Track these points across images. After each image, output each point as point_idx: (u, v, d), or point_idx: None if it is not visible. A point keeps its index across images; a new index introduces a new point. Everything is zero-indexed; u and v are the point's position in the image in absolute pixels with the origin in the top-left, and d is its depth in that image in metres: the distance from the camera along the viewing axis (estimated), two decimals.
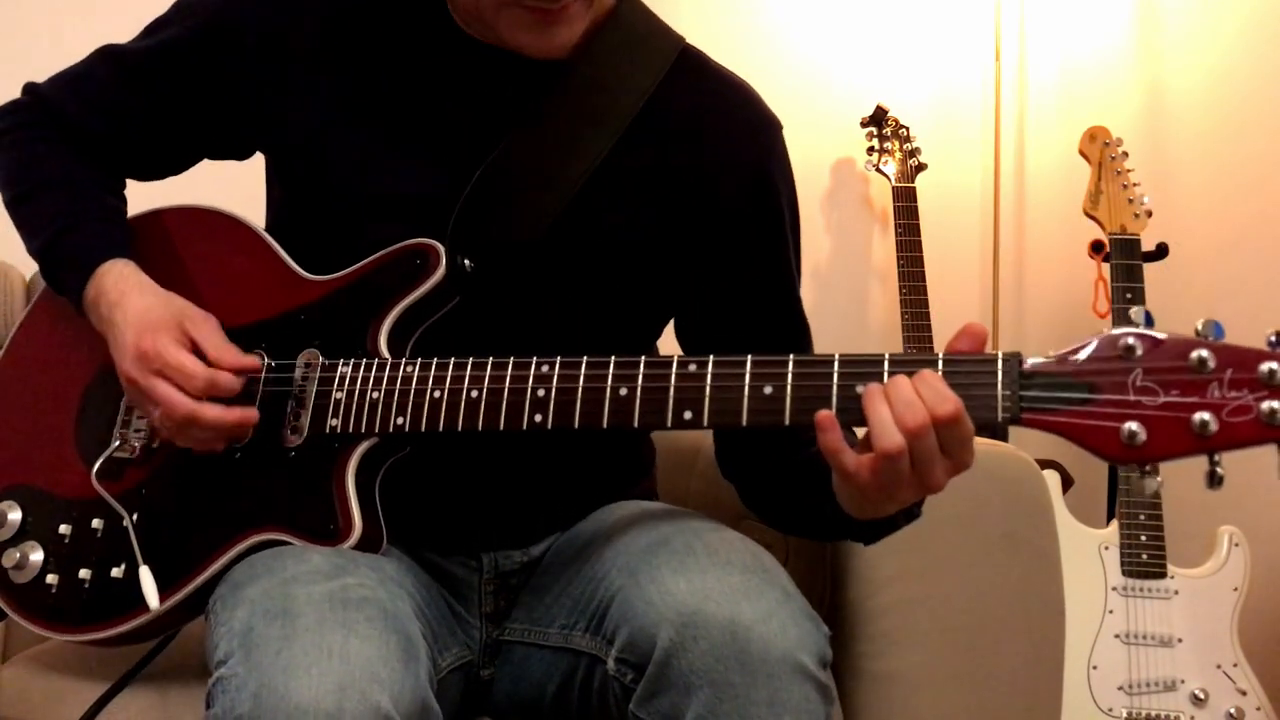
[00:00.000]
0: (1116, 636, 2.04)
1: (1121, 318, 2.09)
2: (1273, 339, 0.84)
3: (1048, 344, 2.84)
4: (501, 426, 1.05)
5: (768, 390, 0.97)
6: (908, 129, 2.55)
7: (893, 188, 2.51)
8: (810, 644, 1.01)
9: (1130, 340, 0.86)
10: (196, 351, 1.13)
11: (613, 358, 1.03)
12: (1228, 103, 2.30)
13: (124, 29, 1.30)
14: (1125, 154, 2.22)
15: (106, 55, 1.28)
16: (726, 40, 2.51)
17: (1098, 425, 0.86)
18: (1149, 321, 0.89)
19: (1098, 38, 2.55)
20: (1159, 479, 0.88)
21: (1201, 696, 2.00)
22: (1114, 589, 2.05)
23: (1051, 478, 2.02)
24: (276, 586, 1.00)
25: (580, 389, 1.03)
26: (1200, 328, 0.86)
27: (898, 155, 2.53)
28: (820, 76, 2.61)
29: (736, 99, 1.25)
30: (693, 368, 1.00)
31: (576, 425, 1.02)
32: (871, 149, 2.54)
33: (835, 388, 0.95)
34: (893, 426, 0.91)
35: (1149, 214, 2.17)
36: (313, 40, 1.20)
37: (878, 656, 1.33)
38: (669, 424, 1.00)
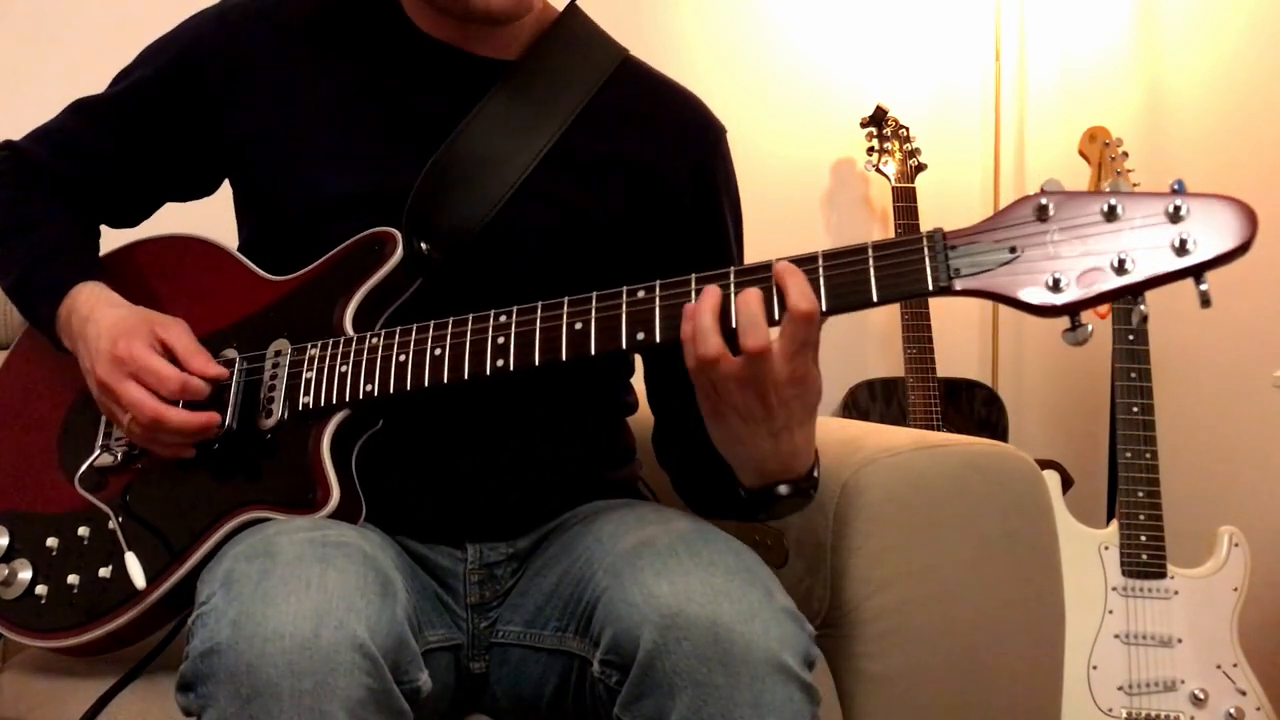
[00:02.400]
0: (1116, 636, 2.03)
1: (1122, 318, 2.10)
2: (1175, 185, 0.89)
3: (1049, 345, 2.84)
4: (465, 376, 1.08)
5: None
6: (908, 129, 2.55)
7: (893, 188, 2.51)
8: (794, 644, 1.01)
9: (1043, 200, 0.92)
10: (169, 355, 1.16)
11: (565, 298, 1.06)
12: (1228, 103, 2.30)
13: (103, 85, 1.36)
14: (1125, 154, 2.21)
15: (78, 107, 1.34)
16: (727, 40, 2.52)
17: (1023, 279, 0.91)
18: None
19: (1098, 38, 2.55)
20: (1090, 328, 0.92)
21: (1201, 696, 2.00)
22: (1114, 589, 2.05)
23: (1051, 478, 2.02)
24: (259, 541, 1.03)
25: (538, 329, 1.06)
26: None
27: (898, 155, 2.53)
28: (820, 76, 2.60)
29: (681, 100, 1.34)
30: (641, 294, 1.04)
31: (538, 363, 1.05)
32: (871, 149, 2.54)
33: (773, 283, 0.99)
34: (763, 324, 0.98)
35: None
36: (271, 55, 1.26)
37: (878, 656, 1.33)
38: (624, 345, 1.03)
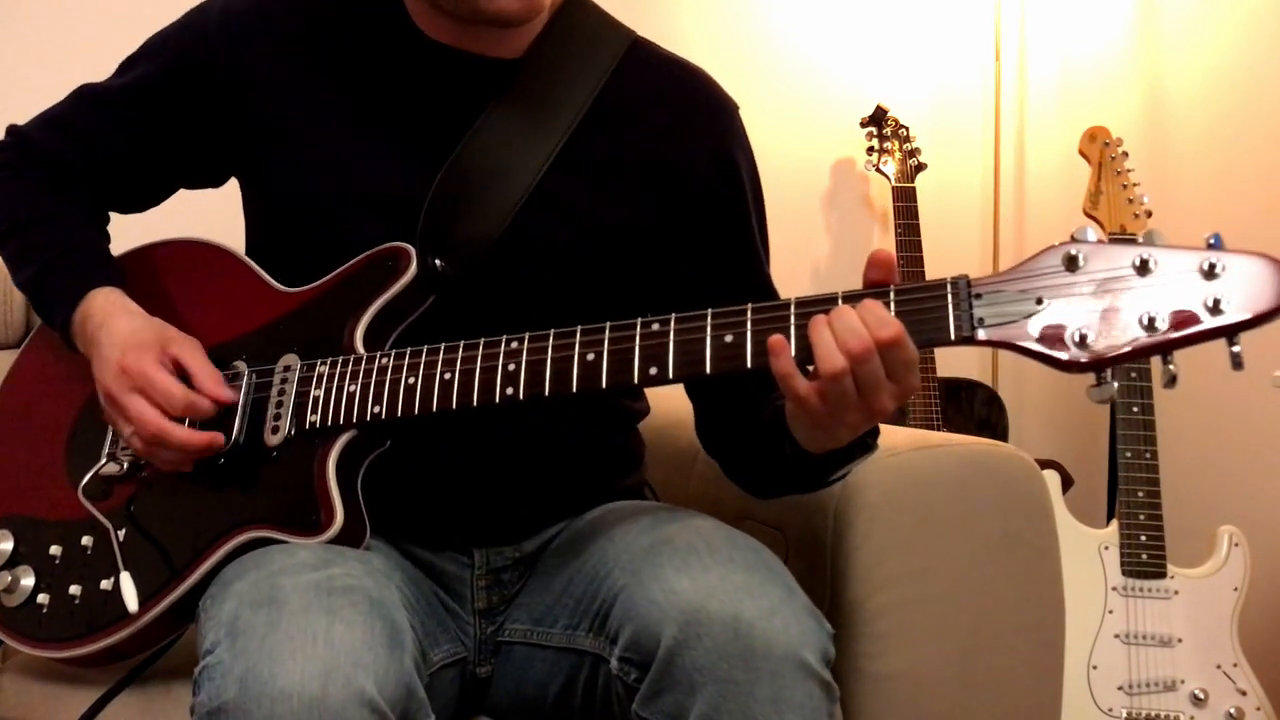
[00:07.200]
0: (1116, 636, 2.04)
1: None
2: (1211, 240, 0.86)
3: None
4: (475, 403, 1.06)
5: (729, 338, 0.98)
6: (908, 129, 2.55)
7: (893, 188, 2.51)
8: (813, 641, 1.01)
9: (1073, 250, 0.88)
10: (180, 373, 1.15)
11: (579, 327, 1.04)
12: (1228, 103, 2.30)
13: (105, 70, 1.34)
14: (1125, 154, 2.21)
15: (83, 94, 1.33)
16: (727, 41, 2.52)
17: (1050, 333, 0.88)
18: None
19: (1098, 38, 2.55)
20: (1115, 385, 0.90)
21: (1201, 696, 2.00)
22: (1114, 589, 2.05)
23: (1051, 478, 2.02)
24: (264, 579, 1.01)
25: (549, 359, 1.04)
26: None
27: (898, 155, 2.53)
28: (820, 76, 2.61)
29: (691, 82, 1.30)
30: (656, 326, 1.01)
31: (547, 393, 1.04)
32: (871, 149, 2.54)
33: (793, 328, 0.96)
34: (835, 349, 0.93)
35: (1149, 214, 2.17)
36: (278, 58, 1.24)
37: (878, 656, 1.33)
38: (635, 380, 1.01)
